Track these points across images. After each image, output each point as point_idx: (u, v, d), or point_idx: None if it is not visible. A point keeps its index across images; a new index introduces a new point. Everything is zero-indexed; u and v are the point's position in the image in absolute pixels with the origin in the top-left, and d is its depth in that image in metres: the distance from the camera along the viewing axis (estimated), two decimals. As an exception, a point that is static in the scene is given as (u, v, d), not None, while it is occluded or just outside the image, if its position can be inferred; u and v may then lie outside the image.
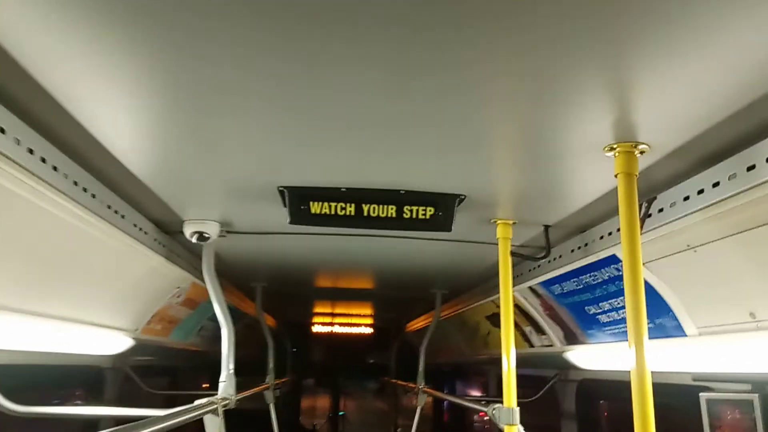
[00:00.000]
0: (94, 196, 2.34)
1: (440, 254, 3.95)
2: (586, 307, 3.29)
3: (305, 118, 1.93)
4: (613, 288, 2.93)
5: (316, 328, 11.05)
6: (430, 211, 2.61)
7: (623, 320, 3.01)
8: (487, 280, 4.69)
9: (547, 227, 3.02)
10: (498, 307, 4.76)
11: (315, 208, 2.58)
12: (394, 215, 2.61)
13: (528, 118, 1.86)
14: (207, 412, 2.82)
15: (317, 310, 8.99)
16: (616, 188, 2.08)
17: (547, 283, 3.53)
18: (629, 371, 1.96)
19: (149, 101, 1.82)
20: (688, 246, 2.23)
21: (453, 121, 1.91)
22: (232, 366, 3.38)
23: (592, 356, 3.64)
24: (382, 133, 2.04)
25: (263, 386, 6.06)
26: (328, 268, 4.85)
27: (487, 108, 1.81)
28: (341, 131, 2.04)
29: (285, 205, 2.60)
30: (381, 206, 2.60)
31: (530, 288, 3.76)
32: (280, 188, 2.54)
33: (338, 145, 2.17)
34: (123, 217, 2.67)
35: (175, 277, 3.73)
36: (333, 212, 2.59)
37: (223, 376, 3.32)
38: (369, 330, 10.71)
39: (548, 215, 2.87)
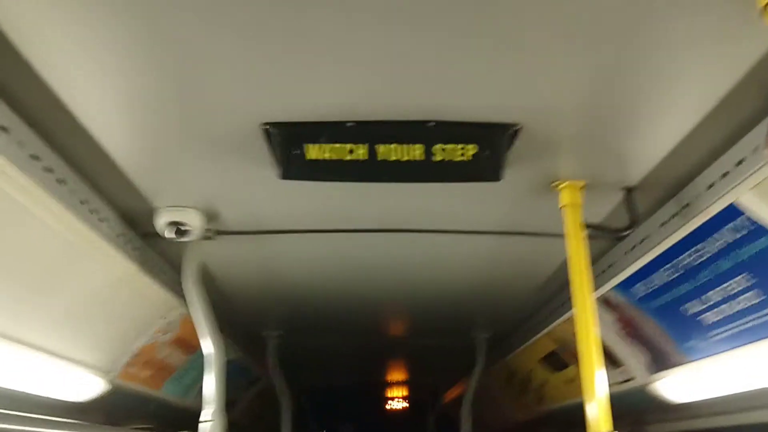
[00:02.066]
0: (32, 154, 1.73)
1: (484, 261, 3.15)
2: (683, 307, 2.47)
3: (293, 15, 1.42)
4: (727, 264, 2.13)
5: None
6: (471, 149, 1.90)
7: (744, 312, 2.19)
8: (545, 305, 3.86)
9: (629, 190, 2.26)
10: (555, 341, 3.96)
11: (312, 152, 1.89)
12: (421, 157, 1.91)
13: None
14: None
15: (343, 380, 8.09)
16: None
17: (625, 284, 2.73)
18: None
19: (103, 18, 1.42)
20: None
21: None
22: (222, 403, 2.54)
23: (693, 381, 2.76)
24: (401, 32, 1.49)
25: None
26: (348, 295, 3.99)
27: None
28: (344, 34, 1.49)
29: (273, 153, 1.93)
30: (403, 146, 1.90)
31: (602, 298, 2.95)
32: (264, 126, 1.87)
33: (341, 57, 1.58)
34: (64, 182, 2.00)
35: (157, 301, 3.02)
36: (337, 157, 1.90)
37: (205, 414, 2.48)
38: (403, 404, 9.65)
39: (635, 163, 2.10)
